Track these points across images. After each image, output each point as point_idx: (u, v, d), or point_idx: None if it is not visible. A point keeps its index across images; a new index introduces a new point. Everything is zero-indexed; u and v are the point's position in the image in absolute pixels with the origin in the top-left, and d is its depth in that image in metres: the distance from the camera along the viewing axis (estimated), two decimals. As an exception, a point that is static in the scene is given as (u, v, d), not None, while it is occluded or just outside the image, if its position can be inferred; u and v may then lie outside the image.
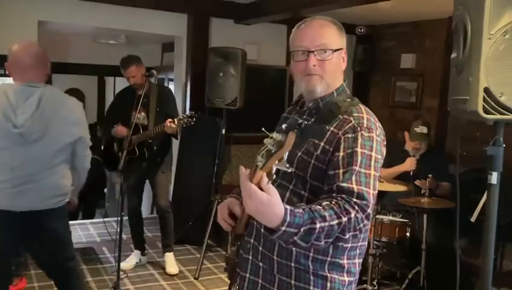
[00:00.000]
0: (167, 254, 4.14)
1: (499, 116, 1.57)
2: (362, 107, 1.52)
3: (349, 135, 1.42)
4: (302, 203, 1.38)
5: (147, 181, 4.12)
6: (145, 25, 4.75)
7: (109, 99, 9.16)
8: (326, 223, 1.27)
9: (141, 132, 3.77)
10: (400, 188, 3.61)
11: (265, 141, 1.23)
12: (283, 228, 1.23)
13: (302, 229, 1.24)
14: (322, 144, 1.45)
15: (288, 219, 1.22)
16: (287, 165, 1.22)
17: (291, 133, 1.19)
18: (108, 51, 6.78)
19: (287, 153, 1.21)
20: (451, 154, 4.17)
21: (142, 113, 3.85)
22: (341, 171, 1.38)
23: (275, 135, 1.22)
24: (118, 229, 3.29)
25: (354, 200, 1.33)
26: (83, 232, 5.11)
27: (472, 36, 1.59)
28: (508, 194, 3.55)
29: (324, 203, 1.32)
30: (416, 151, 3.94)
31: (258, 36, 5.17)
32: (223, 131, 4.39)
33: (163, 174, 4.01)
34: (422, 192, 3.62)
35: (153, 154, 3.87)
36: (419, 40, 5.16)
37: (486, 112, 1.57)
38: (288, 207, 1.24)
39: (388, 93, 5.52)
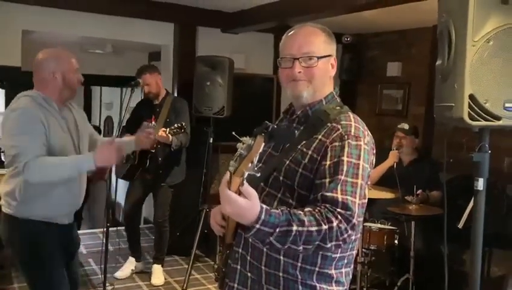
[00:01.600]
0: (155, 265, 4.11)
1: (484, 123, 1.58)
2: (351, 114, 1.51)
3: (336, 144, 1.41)
4: (283, 207, 1.36)
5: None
6: (131, 34, 4.73)
7: (95, 109, 9.08)
8: (305, 228, 1.27)
9: None
10: (388, 195, 3.62)
11: (238, 145, 1.25)
12: (257, 226, 1.25)
13: (277, 230, 1.26)
14: (309, 152, 1.44)
15: (262, 217, 1.25)
16: (255, 169, 1.23)
17: (259, 137, 1.22)
18: (94, 60, 6.73)
19: (257, 157, 1.22)
20: (438, 161, 4.20)
21: (154, 123, 3.86)
22: (327, 180, 1.37)
23: (244, 139, 1.24)
24: (104, 240, 3.24)
25: (338, 210, 1.31)
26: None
27: (456, 43, 1.60)
28: (496, 200, 3.59)
29: (306, 209, 1.32)
30: (398, 146, 3.99)
31: (245, 45, 5.17)
32: (211, 140, 4.37)
33: (163, 187, 4.00)
34: (410, 200, 3.63)
35: (156, 166, 3.85)
36: (405, 48, 5.20)
37: (471, 118, 1.58)
38: (264, 206, 1.27)
39: (375, 102, 5.55)
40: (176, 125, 3.56)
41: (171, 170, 4.00)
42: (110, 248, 4.12)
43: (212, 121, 4.37)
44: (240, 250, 1.53)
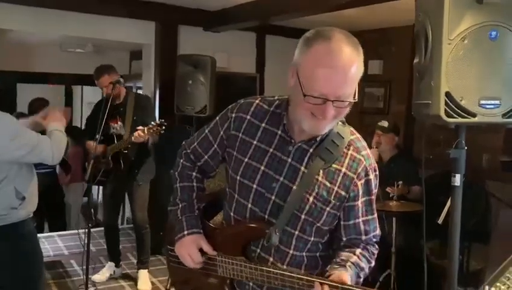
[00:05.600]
0: (141, 271, 4.04)
1: (460, 120, 1.61)
2: (359, 136, 1.46)
3: (363, 181, 1.42)
4: (342, 259, 1.41)
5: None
6: (112, 33, 4.69)
7: (76, 108, 8.98)
8: (363, 272, 1.43)
9: (115, 142, 3.69)
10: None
11: None
12: None
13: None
14: (335, 188, 1.39)
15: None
16: None
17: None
18: (75, 59, 6.66)
19: None
20: (419, 158, 4.26)
21: (119, 123, 3.78)
22: (361, 220, 1.44)
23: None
24: (86, 241, 3.22)
25: (376, 239, 1.50)
26: (50, 245, 4.97)
27: (433, 42, 1.62)
28: (474, 196, 3.65)
29: (357, 251, 1.44)
30: (377, 143, 4.03)
31: (228, 44, 5.17)
32: (194, 139, 4.36)
33: (139, 187, 3.88)
34: (390, 196, 3.67)
35: (130, 166, 3.77)
36: (386, 46, 5.26)
37: (448, 115, 1.60)
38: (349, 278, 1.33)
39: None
40: (153, 123, 3.49)
41: (143, 168, 3.92)
42: (93, 248, 4.09)
43: (195, 120, 4.36)
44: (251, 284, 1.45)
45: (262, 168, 1.41)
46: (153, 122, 3.51)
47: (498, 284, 1.37)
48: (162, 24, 4.82)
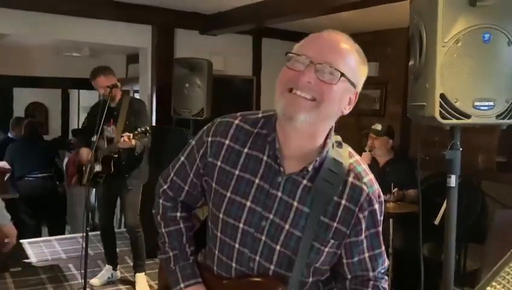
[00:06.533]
0: (138, 274, 4.00)
1: (455, 121, 1.63)
2: (358, 158, 1.27)
3: (366, 212, 1.21)
4: None
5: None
6: (109, 37, 4.69)
7: (73, 112, 8.98)
8: None
9: (105, 145, 3.68)
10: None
11: None
12: None
13: None
14: (334, 224, 1.20)
15: None
16: None
17: None
18: (72, 63, 6.67)
19: None
20: (415, 159, 4.27)
21: (112, 126, 3.76)
22: (367, 256, 1.26)
23: None
24: (84, 245, 3.22)
25: (384, 271, 1.32)
26: (48, 249, 4.96)
27: (427, 44, 1.65)
28: (469, 197, 3.67)
29: None
30: (371, 147, 4.03)
31: (224, 47, 5.18)
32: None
33: (131, 190, 3.84)
34: (386, 198, 3.69)
35: (120, 169, 3.75)
36: (381, 48, 5.28)
37: (443, 117, 1.63)
38: None
39: (353, 101, 5.62)
40: (139, 130, 3.45)
41: (135, 172, 3.87)
42: (91, 252, 4.09)
43: (192, 123, 4.37)
44: None
45: (248, 203, 1.21)
46: (139, 129, 3.47)
47: (494, 283, 1.39)
48: (158, 28, 4.83)
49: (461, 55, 1.60)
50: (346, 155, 1.23)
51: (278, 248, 1.20)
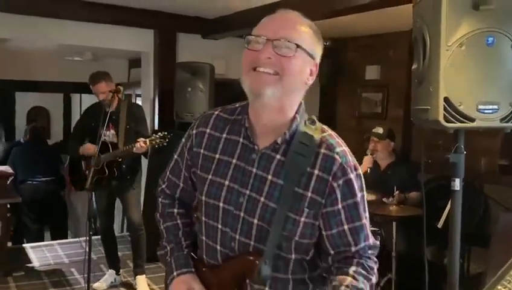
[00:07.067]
0: (139, 277, 3.99)
1: (458, 125, 1.63)
2: (333, 133, 1.29)
3: (341, 181, 1.21)
4: (335, 284, 1.21)
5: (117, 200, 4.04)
6: (111, 41, 4.71)
7: (75, 116, 8.97)
8: None
9: (110, 150, 3.70)
10: (368, 197, 3.65)
11: None
12: None
13: None
14: (309, 194, 1.21)
15: None
16: None
17: None
18: (74, 67, 6.68)
19: None
20: (417, 162, 4.27)
21: (112, 131, 3.78)
22: (346, 227, 1.23)
23: None
24: (87, 249, 3.22)
25: (372, 251, 1.28)
26: (50, 253, 4.96)
27: (431, 48, 1.65)
28: (472, 200, 3.67)
29: (351, 270, 1.23)
30: (372, 150, 4.02)
31: (226, 51, 5.19)
32: (193, 146, 4.37)
33: (134, 190, 3.92)
34: (388, 201, 3.68)
35: (122, 173, 3.78)
36: (383, 51, 5.29)
37: (447, 120, 1.63)
38: None
39: (355, 105, 5.63)
40: (158, 134, 3.47)
41: (135, 174, 3.93)
42: (93, 256, 4.09)
43: (194, 127, 4.37)
44: None
45: (227, 182, 1.26)
46: (159, 134, 3.49)
47: (499, 287, 1.39)
48: (160, 32, 4.84)
49: (465, 59, 1.60)
50: (319, 129, 1.26)
51: (255, 221, 1.22)
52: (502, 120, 1.64)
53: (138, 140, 3.47)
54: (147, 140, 3.45)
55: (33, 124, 6.38)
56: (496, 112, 1.63)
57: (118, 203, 4.08)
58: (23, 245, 5.19)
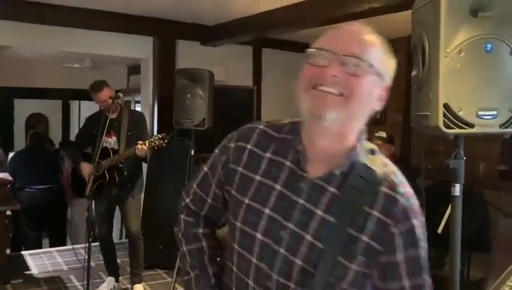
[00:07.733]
0: (137, 285, 3.99)
1: (458, 130, 1.64)
2: (395, 168, 1.13)
3: (404, 228, 1.03)
4: None
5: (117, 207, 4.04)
6: (110, 48, 4.72)
7: (74, 123, 8.99)
8: None
9: (111, 156, 3.71)
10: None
11: None
12: None
13: None
14: (364, 238, 1.02)
15: None
16: None
17: None
18: (73, 74, 6.70)
19: None
20: (417, 168, 4.28)
21: (113, 138, 3.81)
22: (407, 285, 1.04)
23: None
24: (86, 256, 3.21)
25: None
26: (49, 260, 4.94)
27: (430, 54, 1.66)
28: (472, 205, 3.67)
29: None
30: None
31: (225, 57, 5.22)
32: (192, 152, 4.37)
33: (134, 199, 3.91)
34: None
35: (123, 179, 3.79)
36: (382, 58, 5.30)
37: (446, 126, 1.63)
38: None
39: (354, 111, 5.64)
40: (159, 135, 3.52)
41: (136, 182, 3.93)
42: (92, 263, 4.07)
43: (193, 133, 4.38)
44: None
45: (267, 211, 1.09)
46: (158, 135, 3.53)
47: (501, 292, 1.39)
48: (159, 39, 4.86)
49: (464, 65, 1.61)
50: (379, 163, 1.10)
51: (298, 262, 1.04)
52: (501, 126, 1.64)
53: (138, 142, 3.50)
54: (146, 141, 3.50)
55: (34, 130, 6.37)
56: (496, 117, 1.63)
57: (117, 210, 4.08)
58: (22, 252, 5.17)
